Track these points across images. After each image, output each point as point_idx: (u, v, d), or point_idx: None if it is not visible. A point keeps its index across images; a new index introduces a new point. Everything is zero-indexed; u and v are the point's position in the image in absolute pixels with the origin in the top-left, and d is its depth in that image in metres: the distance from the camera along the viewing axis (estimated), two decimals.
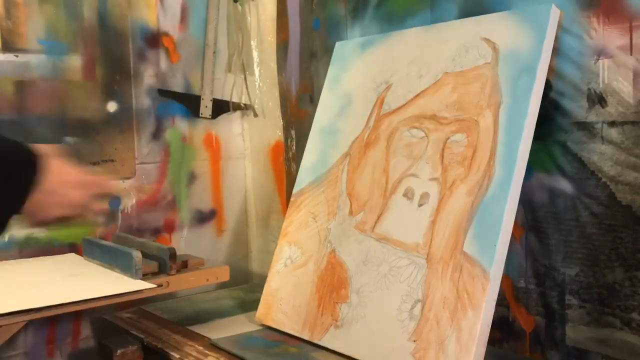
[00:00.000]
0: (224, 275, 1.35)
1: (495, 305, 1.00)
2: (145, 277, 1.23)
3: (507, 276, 1.19)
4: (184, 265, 1.31)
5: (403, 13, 1.39)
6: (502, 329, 1.22)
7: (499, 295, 1.00)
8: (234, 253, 1.87)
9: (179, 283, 1.27)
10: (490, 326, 0.99)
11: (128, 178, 1.64)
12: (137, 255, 1.20)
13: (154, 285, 1.16)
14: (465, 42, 1.16)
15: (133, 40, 1.64)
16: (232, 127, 1.86)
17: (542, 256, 1.15)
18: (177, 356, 1.20)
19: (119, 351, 1.27)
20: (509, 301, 1.21)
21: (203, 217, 1.80)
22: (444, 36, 1.21)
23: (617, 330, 1.05)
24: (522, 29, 1.09)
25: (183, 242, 1.74)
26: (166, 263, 1.26)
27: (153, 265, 1.27)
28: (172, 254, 1.26)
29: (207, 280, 1.32)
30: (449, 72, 1.17)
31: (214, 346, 1.24)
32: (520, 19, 1.10)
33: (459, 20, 1.22)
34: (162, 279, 1.24)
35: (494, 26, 1.13)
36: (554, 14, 1.07)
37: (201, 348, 1.24)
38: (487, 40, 1.13)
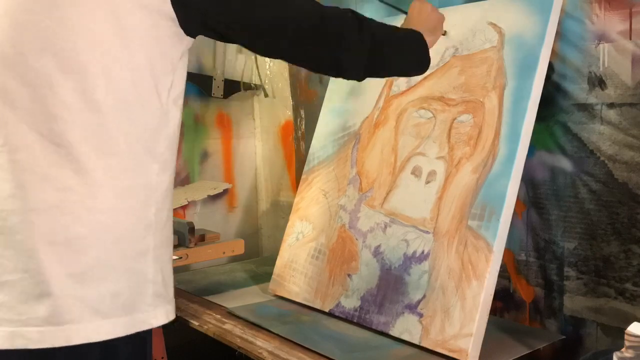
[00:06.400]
0: (239, 248, 1.42)
1: (497, 277, 1.06)
2: None
3: (509, 250, 1.26)
4: (202, 239, 1.38)
5: None
6: (503, 299, 1.28)
7: (500, 268, 1.06)
8: (244, 228, 1.94)
9: (198, 255, 1.34)
10: (492, 296, 1.06)
11: None
12: None
13: (176, 257, 1.23)
14: (472, 26, 1.21)
15: None
16: (243, 106, 1.92)
17: (543, 231, 1.21)
18: (197, 323, 1.27)
19: None
20: (510, 273, 1.28)
21: (215, 194, 1.86)
22: (451, 20, 1.25)
23: (611, 300, 1.12)
24: (527, 14, 1.14)
25: (197, 217, 1.81)
26: (185, 236, 1.33)
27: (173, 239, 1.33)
28: (191, 228, 1.33)
29: (224, 253, 1.39)
30: (457, 55, 1.22)
31: (230, 314, 1.31)
32: (525, 4, 1.14)
33: (466, 5, 1.26)
34: (182, 251, 1.31)
35: (500, 11, 1.18)
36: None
37: (219, 316, 1.30)
38: (493, 25, 1.18)
